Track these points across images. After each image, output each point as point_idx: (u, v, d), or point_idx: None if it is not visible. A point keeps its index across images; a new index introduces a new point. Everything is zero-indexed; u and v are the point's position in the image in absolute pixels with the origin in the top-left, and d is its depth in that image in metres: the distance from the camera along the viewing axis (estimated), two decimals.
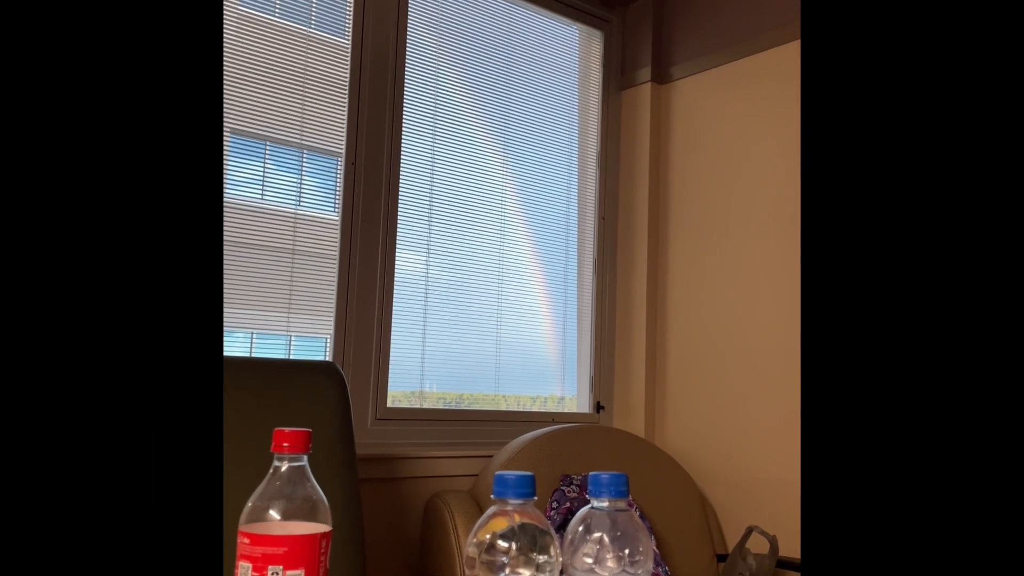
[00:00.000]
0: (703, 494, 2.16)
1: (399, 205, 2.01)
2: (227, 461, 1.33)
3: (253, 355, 1.78)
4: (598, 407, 2.38)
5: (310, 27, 1.90)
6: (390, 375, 1.96)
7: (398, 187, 2.01)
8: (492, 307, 2.18)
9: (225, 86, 1.77)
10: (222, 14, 0.59)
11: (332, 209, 1.91)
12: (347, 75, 1.95)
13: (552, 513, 1.71)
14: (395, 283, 1.99)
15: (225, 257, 1.75)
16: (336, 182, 1.92)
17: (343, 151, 1.93)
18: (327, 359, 1.85)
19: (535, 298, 2.29)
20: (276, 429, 0.73)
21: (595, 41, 2.52)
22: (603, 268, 2.43)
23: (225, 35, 1.77)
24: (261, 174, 1.80)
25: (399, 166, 2.02)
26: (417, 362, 2.02)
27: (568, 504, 1.72)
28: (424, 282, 2.05)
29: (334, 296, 1.89)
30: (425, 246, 2.06)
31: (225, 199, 1.75)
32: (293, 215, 1.84)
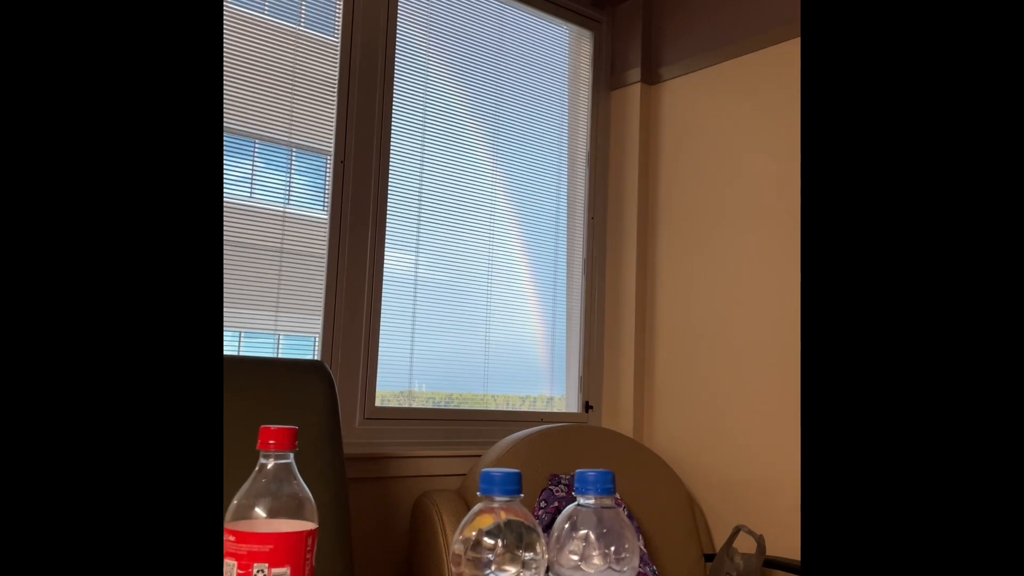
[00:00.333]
0: (691, 494, 2.17)
1: (388, 204, 2.01)
2: None
3: (241, 354, 1.78)
4: (587, 407, 2.38)
5: (299, 25, 1.90)
6: (379, 374, 1.95)
7: (387, 186, 2.01)
8: (481, 307, 2.18)
9: None
10: (222, 14, 0.59)
11: (321, 208, 1.90)
12: (336, 73, 1.95)
13: (540, 512, 1.71)
14: (384, 282, 1.99)
15: None
16: (325, 181, 1.92)
17: (332, 150, 1.93)
18: (315, 358, 1.85)
19: (524, 298, 2.29)
20: (262, 426, 0.73)
21: (585, 41, 2.52)
22: (592, 268, 2.43)
23: None
24: (250, 172, 1.80)
25: (388, 165, 2.01)
26: (406, 361, 2.02)
27: (556, 503, 1.73)
28: (413, 281, 2.05)
29: (323, 295, 1.88)
30: (414, 245, 2.06)
31: None
32: (282, 214, 1.84)
